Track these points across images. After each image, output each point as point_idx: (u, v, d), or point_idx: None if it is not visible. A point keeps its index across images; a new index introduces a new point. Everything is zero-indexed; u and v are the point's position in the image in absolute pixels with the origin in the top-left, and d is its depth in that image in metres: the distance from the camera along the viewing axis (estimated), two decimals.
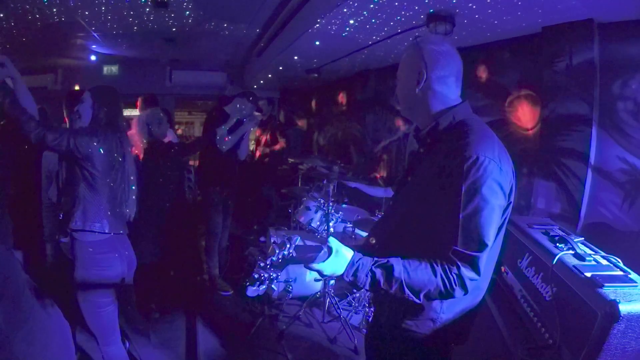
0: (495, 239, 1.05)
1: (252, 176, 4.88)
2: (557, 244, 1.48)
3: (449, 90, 1.15)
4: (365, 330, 2.57)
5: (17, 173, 2.41)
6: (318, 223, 3.32)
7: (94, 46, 4.88)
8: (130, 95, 3.89)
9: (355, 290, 3.16)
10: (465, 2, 2.27)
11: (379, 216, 3.39)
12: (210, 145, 3.17)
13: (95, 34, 4.17)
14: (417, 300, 1.03)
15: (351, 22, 2.86)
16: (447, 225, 1.01)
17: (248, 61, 6.00)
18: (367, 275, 1.04)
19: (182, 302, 3.12)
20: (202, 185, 3.45)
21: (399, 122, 4.46)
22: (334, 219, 3.29)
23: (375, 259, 1.05)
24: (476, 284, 1.02)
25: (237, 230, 4.70)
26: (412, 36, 3.00)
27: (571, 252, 1.40)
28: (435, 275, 0.99)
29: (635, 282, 1.17)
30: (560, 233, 1.60)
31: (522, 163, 2.66)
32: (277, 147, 5.07)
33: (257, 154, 5.14)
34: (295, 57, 4.37)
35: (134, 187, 2.04)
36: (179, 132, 8.43)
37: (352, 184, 3.69)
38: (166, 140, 2.92)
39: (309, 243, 2.71)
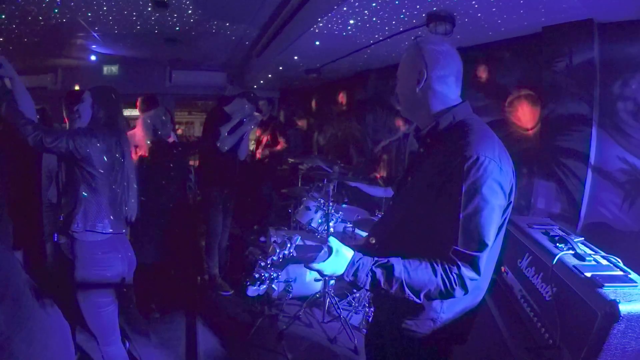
0: (496, 239, 1.05)
1: (252, 176, 4.88)
2: (557, 244, 1.48)
3: (449, 90, 1.15)
4: (365, 330, 2.57)
5: (17, 173, 2.40)
6: (318, 223, 3.32)
7: (94, 46, 4.87)
8: (130, 95, 3.89)
9: (355, 290, 3.16)
10: (468, 0, 2.27)
11: (379, 216, 3.39)
12: (210, 145, 3.17)
13: (95, 34, 4.17)
14: (418, 300, 1.03)
15: (351, 22, 2.86)
16: (447, 225, 1.01)
17: (248, 61, 5.99)
18: (367, 275, 1.04)
19: (182, 302, 3.12)
20: (202, 185, 3.45)
21: (399, 122, 4.46)
22: (334, 219, 3.29)
23: (376, 258, 1.05)
24: (476, 283, 1.02)
25: (237, 230, 4.70)
26: (412, 36, 3.00)
27: (571, 252, 1.40)
28: (436, 275, 0.99)
29: (635, 282, 1.17)
30: (560, 233, 1.61)
31: (522, 163, 2.66)
32: (279, 147, 5.07)
33: (258, 154, 5.14)
34: (295, 57, 4.37)
35: (135, 187, 2.04)
36: (179, 132, 8.43)
37: (352, 184, 3.69)
38: (170, 140, 2.93)
39: (309, 243, 2.71)
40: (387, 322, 1.20)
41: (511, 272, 1.71)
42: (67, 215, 1.82)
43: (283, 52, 4.02)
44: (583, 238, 1.53)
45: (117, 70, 6.39)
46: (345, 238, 3.31)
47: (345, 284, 3.20)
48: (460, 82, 1.18)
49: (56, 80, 6.19)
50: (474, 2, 2.27)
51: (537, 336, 1.39)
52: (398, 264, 1.02)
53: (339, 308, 2.83)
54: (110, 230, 1.85)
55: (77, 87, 5.55)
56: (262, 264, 2.29)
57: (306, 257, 1.09)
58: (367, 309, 2.91)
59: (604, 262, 1.33)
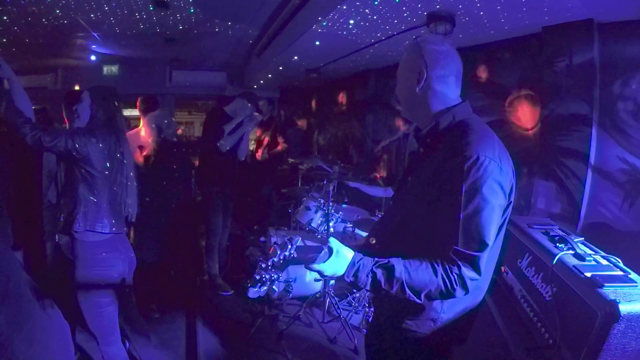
0: (496, 238, 1.05)
1: (252, 176, 4.88)
2: (557, 244, 1.48)
3: (449, 90, 1.16)
4: (365, 330, 2.58)
5: (17, 173, 2.40)
6: (318, 223, 3.32)
7: (94, 46, 4.88)
8: (130, 95, 3.89)
9: (355, 290, 3.16)
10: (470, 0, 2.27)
11: (379, 216, 3.39)
12: (210, 145, 3.18)
13: (95, 34, 4.17)
14: (418, 301, 1.03)
15: (351, 21, 2.87)
16: (447, 225, 1.01)
17: (248, 61, 6.00)
18: (368, 276, 1.04)
19: (182, 302, 3.11)
20: (202, 185, 3.45)
21: (399, 122, 4.46)
22: (334, 219, 3.29)
23: (376, 259, 1.05)
24: (477, 283, 1.02)
25: (237, 230, 4.70)
26: (412, 36, 3.00)
27: (571, 252, 1.40)
28: (436, 275, 0.99)
29: (635, 282, 1.16)
30: (560, 233, 1.60)
31: (522, 163, 2.66)
32: (279, 148, 5.07)
33: (258, 154, 5.14)
34: (296, 57, 4.37)
35: (135, 186, 2.04)
36: (179, 132, 8.44)
37: (352, 184, 3.69)
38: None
39: (309, 243, 2.71)
40: (387, 322, 1.20)
41: (511, 272, 1.71)
42: (67, 215, 1.82)
43: (283, 52, 4.02)
44: (583, 238, 1.53)
45: (117, 70, 6.40)
46: (345, 238, 3.31)
47: (346, 284, 3.20)
48: (460, 82, 1.18)
49: (56, 80, 6.19)
50: (477, 2, 2.27)
51: (537, 336, 1.39)
52: (398, 265, 1.02)
53: (339, 308, 2.83)
54: (110, 229, 1.85)
55: (77, 87, 5.55)
56: (263, 265, 2.28)
57: (307, 258, 1.09)
58: (367, 309, 2.91)
59: (604, 262, 1.33)
